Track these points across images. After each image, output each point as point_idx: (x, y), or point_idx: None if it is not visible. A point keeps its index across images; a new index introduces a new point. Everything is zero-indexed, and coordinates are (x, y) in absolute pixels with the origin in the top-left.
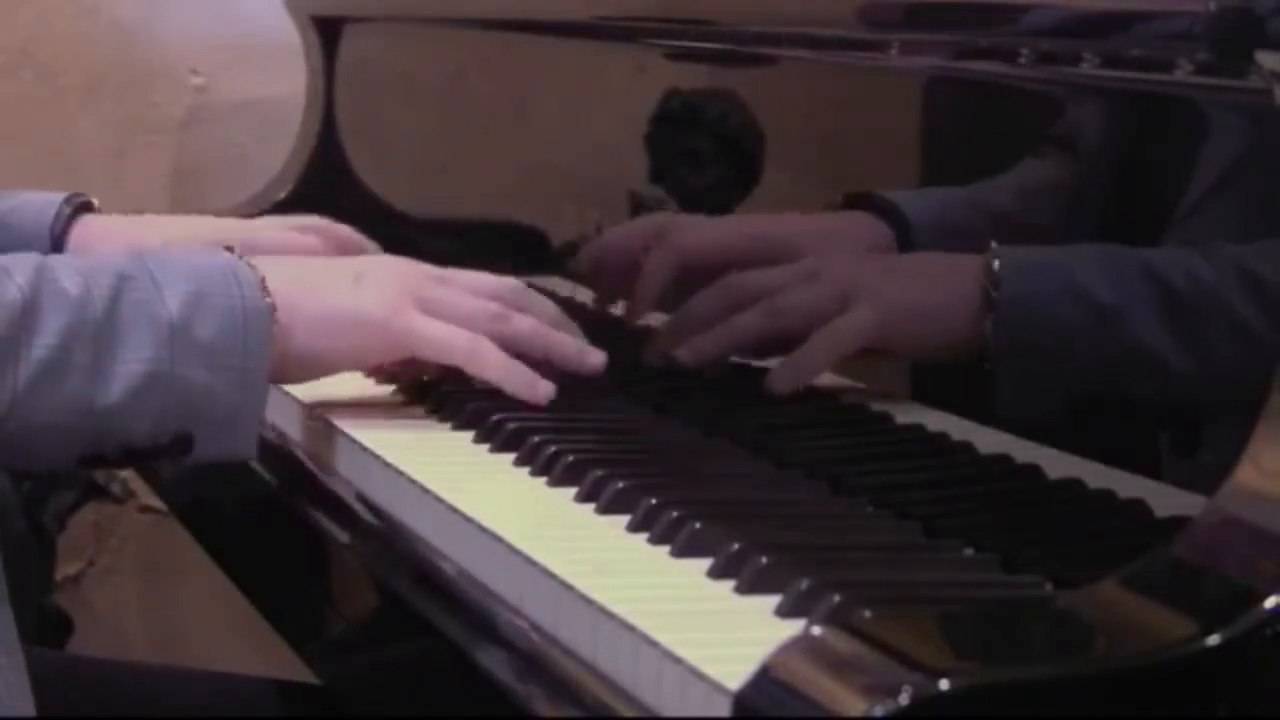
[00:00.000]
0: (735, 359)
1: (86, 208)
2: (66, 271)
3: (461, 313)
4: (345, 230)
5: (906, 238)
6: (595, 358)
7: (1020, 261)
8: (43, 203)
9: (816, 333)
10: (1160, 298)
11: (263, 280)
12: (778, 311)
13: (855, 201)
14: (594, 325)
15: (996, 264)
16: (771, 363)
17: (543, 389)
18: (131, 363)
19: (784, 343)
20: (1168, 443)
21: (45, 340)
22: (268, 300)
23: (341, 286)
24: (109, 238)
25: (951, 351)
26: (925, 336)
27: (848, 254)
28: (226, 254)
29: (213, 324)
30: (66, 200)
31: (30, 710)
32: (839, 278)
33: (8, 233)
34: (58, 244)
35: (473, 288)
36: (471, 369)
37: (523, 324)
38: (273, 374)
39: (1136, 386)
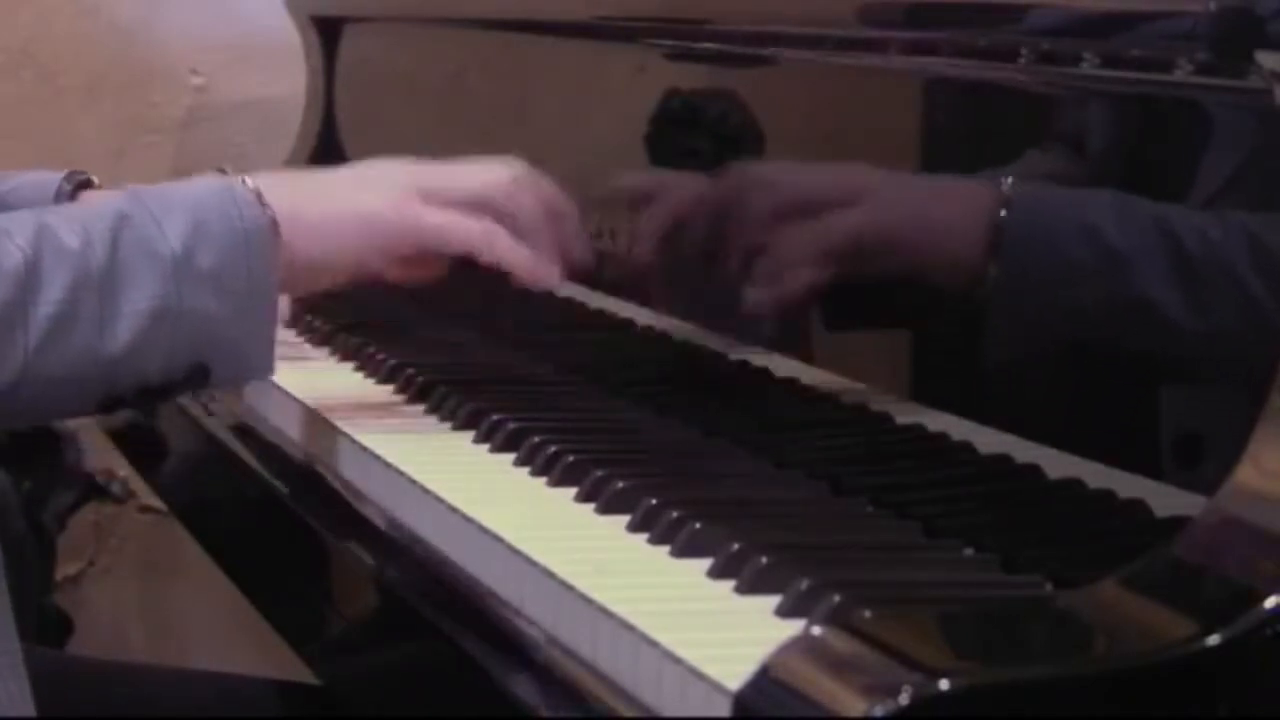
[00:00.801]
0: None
1: (86, 185)
2: (66, 225)
3: (469, 198)
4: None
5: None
6: (588, 251)
7: (1032, 193)
8: (43, 181)
9: (807, 226)
10: (1173, 254)
11: (259, 194)
12: (771, 202)
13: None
14: (594, 326)
15: (1008, 188)
16: (773, 365)
17: (554, 274)
18: (138, 302)
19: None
20: (1169, 446)
21: (51, 297)
22: (267, 213)
23: (341, 188)
24: None
25: (948, 271)
26: (923, 249)
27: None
28: (221, 176)
29: (214, 250)
30: (66, 178)
31: (30, 711)
32: (841, 177)
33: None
34: None
35: (481, 175)
36: (484, 253)
37: (529, 206)
38: (282, 285)
39: (1135, 339)
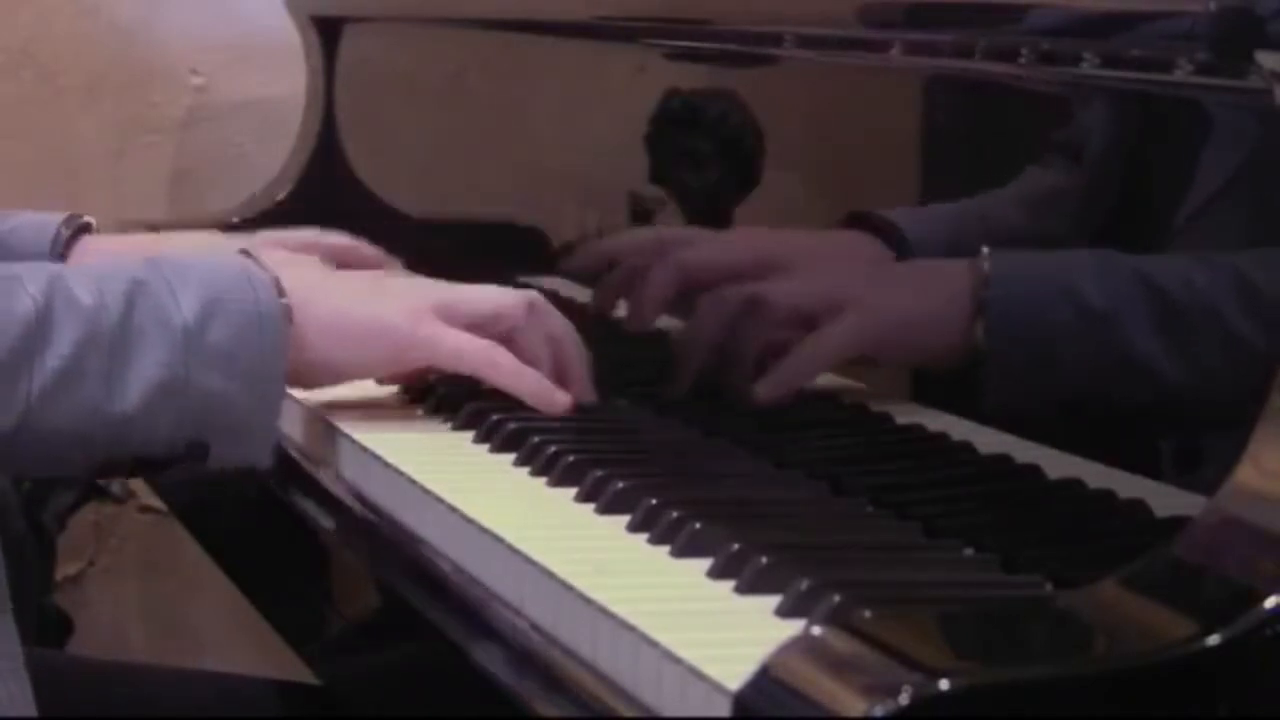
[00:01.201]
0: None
1: (85, 229)
2: (80, 280)
3: (480, 322)
4: (344, 242)
5: (906, 256)
6: (588, 397)
7: (1011, 264)
8: (42, 223)
9: (802, 341)
10: (1154, 304)
11: (276, 282)
12: (765, 318)
13: (854, 220)
14: (593, 325)
15: (987, 266)
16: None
17: (560, 400)
18: (147, 368)
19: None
20: (1168, 451)
21: (59, 350)
22: (283, 302)
23: (359, 292)
24: (107, 258)
25: (943, 357)
26: (915, 344)
27: (839, 265)
28: (241, 257)
29: (228, 329)
30: (65, 222)
31: (31, 712)
32: (828, 286)
33: (8, 253)
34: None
35: (493, 301)
36: (490, 379)
37: (536, 342)
38: (289, 378)
39: (1126, 393)
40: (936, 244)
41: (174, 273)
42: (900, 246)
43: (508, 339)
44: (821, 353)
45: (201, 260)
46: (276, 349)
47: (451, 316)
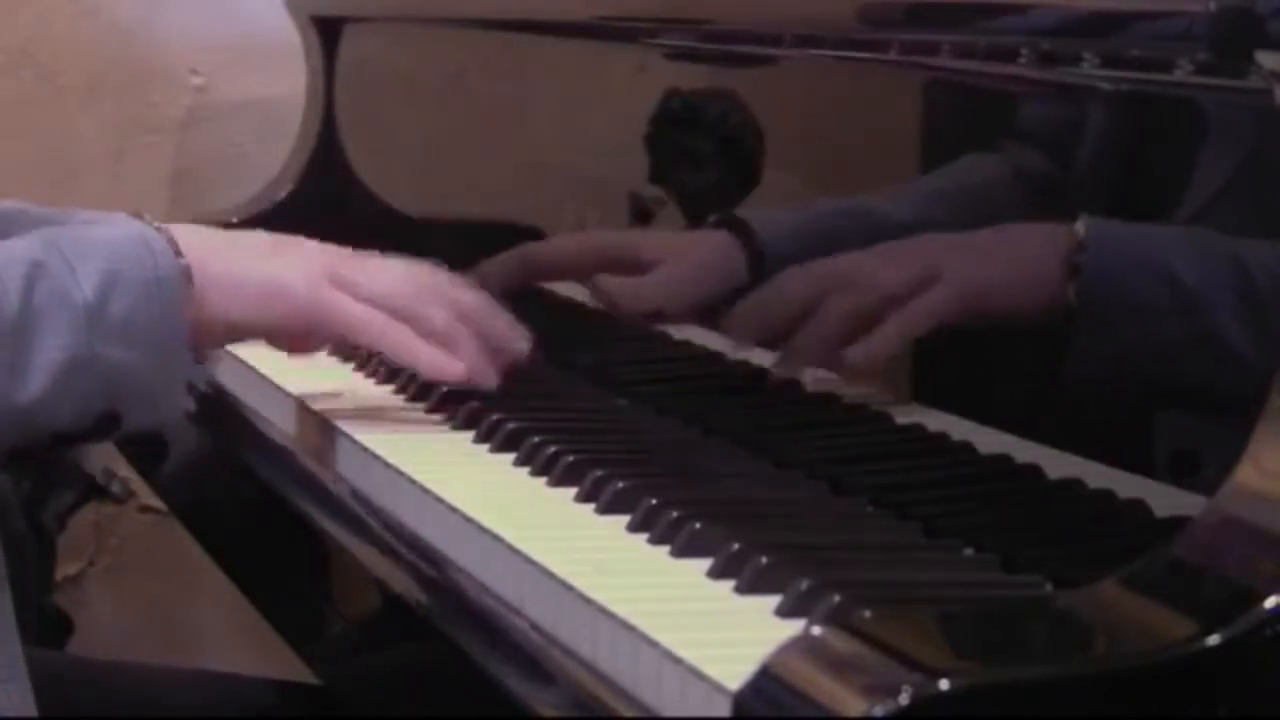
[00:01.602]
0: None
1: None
2: None
3: (377, 294)
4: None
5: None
6: (521, 342)
7: (1106, 231)
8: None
9: (895, 312)
10: (1241, 289)
11: (174, 243)
12: (862, 294)
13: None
14: (593, 325)
15: (1082, 231)
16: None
17: (452, 369)
18: (50, 351)
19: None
20: (1168, 448)
21: None
22: (181, 262)
23: (259, 252)
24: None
25: (1032, 318)
26: (1004, 310)
27: (928, 237)
28: (139, 223)
29: (128, 299)
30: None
31: (32, 713)
32: (919, 257)
33: None
34: None
35: (393, 274)
36: (385, 351)
37: (437, 313)
38: (191, 339)
39: (1205, 373)
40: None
41: (73, 249)
42: (753, 246)
43: (407, 316)
44: (913, 322)
45: (100, 232)
46: (177, 311)
47: (348, 287)
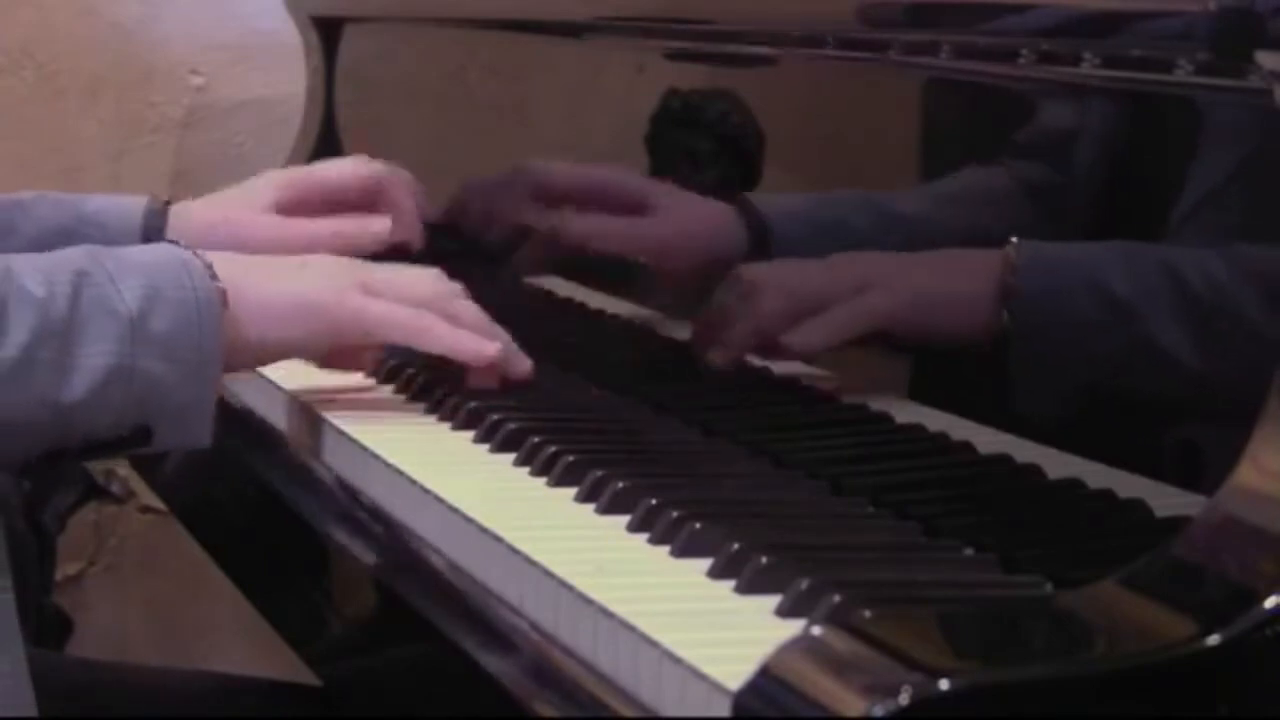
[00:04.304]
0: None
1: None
2: (29, 271)
3: (404, 294)
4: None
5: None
6: (524, 365)
7: (1039, 253)
8: (122, 205)
9: (835, 305)
10: (1176, 295)
11: (210, 268)
12: (798, 299)
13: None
14: (594, 325)
15: (1015, 255)
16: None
17: (490, 349)
18: (95, 356)
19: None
20: (1169, 448)
21: (15, 340)
22: (217, 285)
23: (285, 273)
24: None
25: (965, 339)
26: (939, 325)
27: (869, 252)
28: (175, 247)
29: (168, 316)
30: (153, 200)
31: (33, 713)
32: (858, 268)
33: (94, 235)
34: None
35: (417, 276)
36: (420, 343)
37: (465, 306)
38: (225, 362)
39: (1147, 382)
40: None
41: (114, 263)
42: (759, 227)
43: (435, 310)
44: (852, 317)
45: (139, 251)
46: (213, 333)
47: (376, 291)
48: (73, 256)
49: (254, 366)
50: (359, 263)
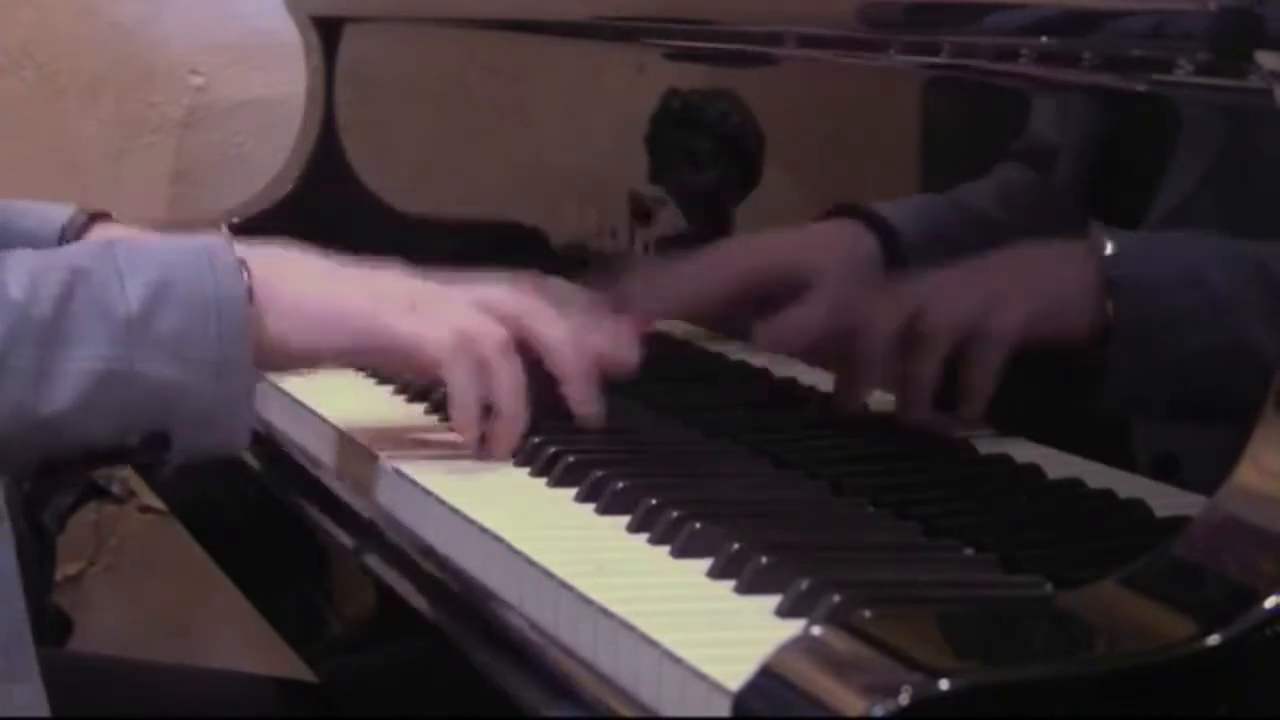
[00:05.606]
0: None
1: (100, 218)
2: (15, 271)
3: (451, 320)
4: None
5: (895, 247)
6: (588, 408)
7: (1134, 244)
8: (45, 213)
9: (980, 344)
10: (1268, 292)
11: (242, 263)
12: (937, 336)
13: (843, 211)
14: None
15: (1109, 247)
16: None
17: (466, 438)
18: (82, 361)
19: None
20: (1167, 450)
21: None
22: (246, 283)
23: (334, 277)
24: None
25: (1080, 339)
26: (1055, 332)
27: (979, 263)
28: (207, 238)
29: (176, 315)
30: (78, 212)
31: (45, 712)
32: (979, 289)
33: (13, 240)
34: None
35: (460, 309)
36: (447, 377)
37: (501, 364)
38: (257, 361)
39: (1238, 379)
40: (925, 233)
41: (127, 259)
42: (888, 237)
43: (473, 347)
44: (999, 351)
45: (161, 244)
46: (236, 331)
47: (423, 309)
48: (79, 251)
49: (286, 369)
50: (422, 280)
